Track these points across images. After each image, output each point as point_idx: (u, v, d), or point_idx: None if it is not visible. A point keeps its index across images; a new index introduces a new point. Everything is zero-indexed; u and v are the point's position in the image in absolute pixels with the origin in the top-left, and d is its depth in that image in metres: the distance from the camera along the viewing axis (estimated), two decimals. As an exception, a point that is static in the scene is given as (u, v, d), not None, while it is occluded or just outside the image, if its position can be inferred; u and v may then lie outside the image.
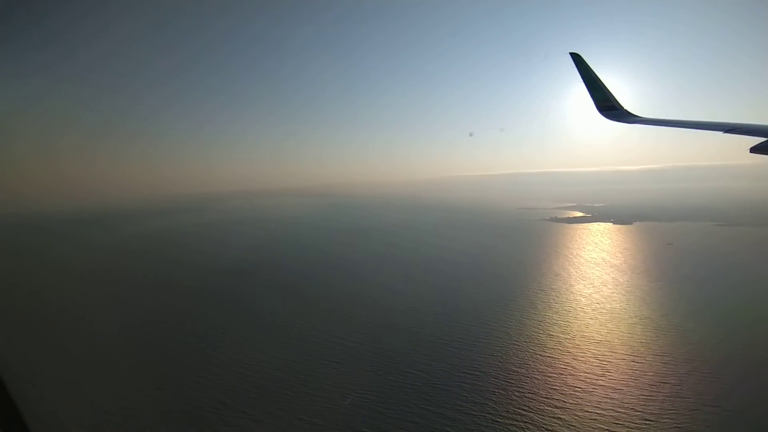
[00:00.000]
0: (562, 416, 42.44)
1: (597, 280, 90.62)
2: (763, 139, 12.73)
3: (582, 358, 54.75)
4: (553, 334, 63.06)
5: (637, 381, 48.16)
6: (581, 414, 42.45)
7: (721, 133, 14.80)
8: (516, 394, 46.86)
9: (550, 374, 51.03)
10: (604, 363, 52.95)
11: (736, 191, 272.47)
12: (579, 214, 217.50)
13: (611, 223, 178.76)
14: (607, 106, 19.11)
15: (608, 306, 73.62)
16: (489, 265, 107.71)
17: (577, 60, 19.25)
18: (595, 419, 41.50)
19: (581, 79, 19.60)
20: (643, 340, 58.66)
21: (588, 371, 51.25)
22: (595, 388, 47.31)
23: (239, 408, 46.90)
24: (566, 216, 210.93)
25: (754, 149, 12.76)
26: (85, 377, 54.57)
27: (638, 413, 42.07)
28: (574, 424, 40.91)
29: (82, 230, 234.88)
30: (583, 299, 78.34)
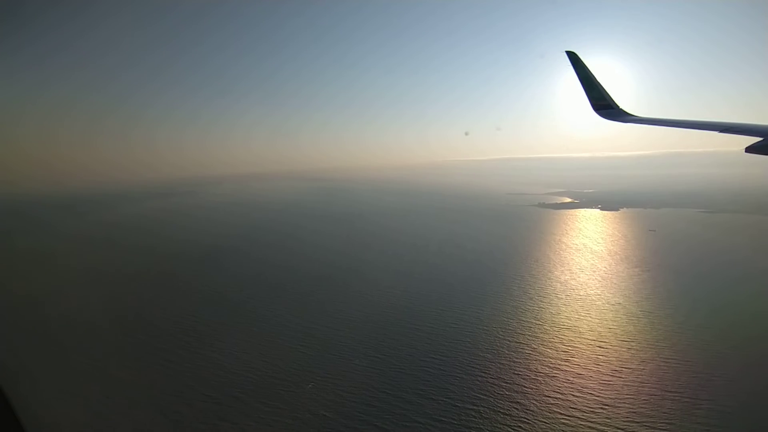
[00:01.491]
0: (520, 401, 42.75)
1: (575, 267, 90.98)
2: (758, 139, 12.72)
3: (549, 344, 55.04)
4: (525, 319, 63.29)
5: (599, 366, 48.59)
6: (539, 399, 42.79)
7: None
8: (479, 379, 47.11)
9: (515, 359, 51.32)
10: (570, 348, 53.31)
11: (727, 178, 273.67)
12: (567, 200, 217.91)
13: (598, 210, 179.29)
14: (603, 105, 18.92)
15: (582, 292, 73.99)
16: (470, 251, 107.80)
17: (573, 58, 18.89)
18: (552, 404, 41.86)
19: (577, 78, 19.30)
20: (611, 326, 59.09)
21: (553, 356, 51.58)
22: (558, 373, 47.66)
23: (202, 391, 46.85)
24: (554, 202, 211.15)
25: (750, 149, 12.80)
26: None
27: (596, 398, 42.49)
28: (531, 409, 41.24)
29: (72, 216, 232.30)
30: (558, 285, 78.67)
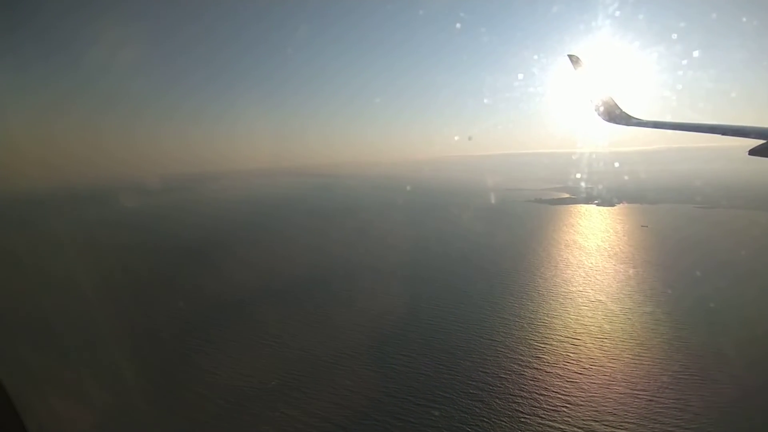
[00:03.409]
0: (485, 399, 42.10)
1: (561, 263, 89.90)
2: (761, 142, 12.70)
3: (523, 341, 54.22)
4: (502, 316, 62.44)
5: (568, 364, 47.82)
6: (503, 397, 42.13)
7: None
8: (446, 376, 46.49)
9: (486, 356, 50.57)
10: (542, 346, 52.53)
11: (729, 173, 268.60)
12: (565, 195, 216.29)
13: (594, 205, 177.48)
14: (606, 109, 18.39)
15: (564, 289, 73.06)
16: (457, 248, 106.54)
17: (575, 62, 18.29)
18: (515, 402, 41.19)
19: (579, 83, 18.88)
20: (586, 323, 58.21)
21: (524, 353, 50.82)
22: (526, 371, 46.92)
23: (168, 388, 46.48)
24: (551, 198, 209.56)
25: (753, 151, 12.87)
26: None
27: (560, 396, 41.80)
28: (493, 407, 40.58)
29: (70, 212, 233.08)
30: (541, 282, 77.73)
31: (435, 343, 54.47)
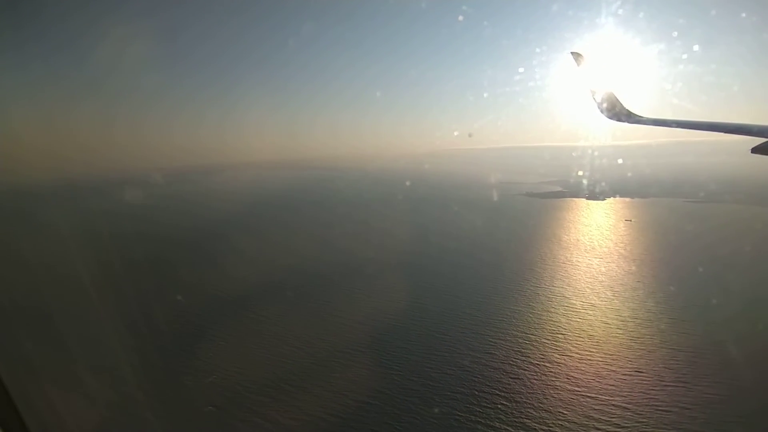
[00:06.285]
0: (428, 396, 41.36)
1: (536, 257, 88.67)
2: (764, 140, 12.79)
3: (482, 335, 53.38)
4: (466, 311, 61.53)
5: (518, 361, 47.01)
6: (444, 394, 41.44)
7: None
8: (398, 373, 45.66)
9: (436, 352, 49.78)
10: (497, 341, 51.74)
11: (727, 167, 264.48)
12: (557, 189, 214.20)
13: (584, 199, 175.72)
14: (608, 105, 18.45)
15: (532, 284, 71.94)
16: (435, 242, 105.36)
17: (577, 58, 18.20)
18: (455, 400, 40.49)
19: (582, 79, 18.93)
20: (545, 319, 57.31)
21: (477, 349, 50.07)
22: (475, 367, 46.15)
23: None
24: (543, 191, 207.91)
25: (756, 150, 12.95)
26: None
27: (498, 394, 41.07)
28: (432, 403, 39.94)
29: (70, 205, 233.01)
30: (513, 275, 76.64)
31: (387, 337, 53.47)
